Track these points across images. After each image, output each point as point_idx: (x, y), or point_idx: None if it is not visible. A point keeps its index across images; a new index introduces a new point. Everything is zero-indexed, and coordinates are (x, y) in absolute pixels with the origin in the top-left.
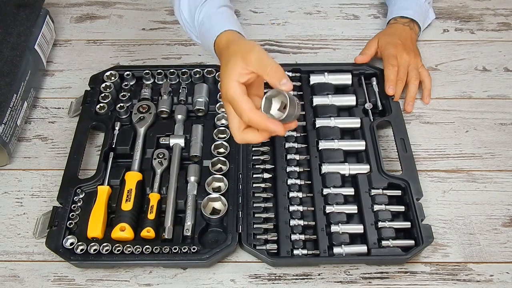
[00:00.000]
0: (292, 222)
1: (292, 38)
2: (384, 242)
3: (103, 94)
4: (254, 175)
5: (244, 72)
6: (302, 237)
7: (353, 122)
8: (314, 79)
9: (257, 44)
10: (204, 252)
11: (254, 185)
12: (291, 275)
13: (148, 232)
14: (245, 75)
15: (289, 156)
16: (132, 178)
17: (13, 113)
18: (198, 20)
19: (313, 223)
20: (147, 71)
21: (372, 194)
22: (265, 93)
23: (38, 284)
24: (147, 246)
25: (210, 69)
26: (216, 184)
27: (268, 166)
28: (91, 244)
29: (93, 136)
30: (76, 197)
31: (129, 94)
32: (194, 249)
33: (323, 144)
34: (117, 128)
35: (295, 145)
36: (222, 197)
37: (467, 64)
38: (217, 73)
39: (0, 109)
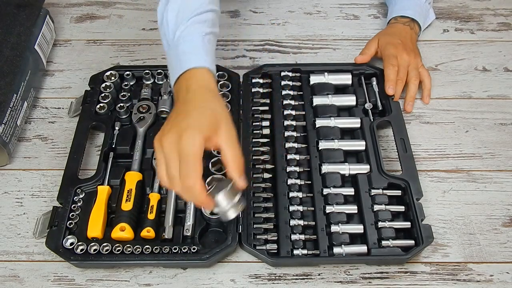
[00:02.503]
0: (292, 222)
1: (292, 38)
2: (384, 242)
3: (103, 94)
4: (254, 175)
5: (210, 134)
6: (302, 237)
7: (353, 122)
8: (314, 79)
9: (226, 111)
10: (204, 252)
11: (254, 185)
12: (291, 275)
13: (148, 232)
14: (207, 138)
15: (289, 156)
16: (132, 178)
17: (13, 113)
18: (181, 34)
19: (313, 223)
20: (147, 71)
21: (372, 194)
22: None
23: (38, 284)
24: (147, 246)
25: None
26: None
27: (268, 166)
28: (91, 244)
29: (93, 136)
30: (76, 197)
31: (129, 94)
32: (194, 249)
33: (323, 144)
34: (117, 128)
35: (295, 145)
36: None
37: (467, 64)
38: (217, 73)
39: (0, 109)
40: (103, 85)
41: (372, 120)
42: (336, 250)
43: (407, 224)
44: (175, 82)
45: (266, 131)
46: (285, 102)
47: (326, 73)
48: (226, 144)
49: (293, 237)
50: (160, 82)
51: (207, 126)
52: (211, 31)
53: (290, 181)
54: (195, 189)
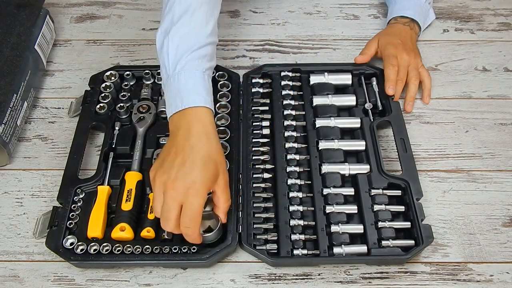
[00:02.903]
0: (292, 222)
1: (292, 38)
2: (384, 242)
3: (103, 94)
4: (254, 175)
5: (212, 187)
6: (302, 237)
7: (353, 122)
8: (314, 79)
9: (224, 157)
10: (204, 252)
11: (254, 185)
12: (291, 275)
13: (148, 232)
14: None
15: (289, 156)
16: (132, 178)
17: (13, 113)
18: (182, 68)
19: (313, 223)
20: (147, 71)
21: (372, 194)
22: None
23: (38, 284)
24: (147, 246)
25: None
26: None
27: (268, 166)
28: (91, 244)
29: (93, 136)
30: (76, 197)
31: (129, 94)
32: (194, 249)
33: (323, 144)
34: (117, 128)
35: (295, 145)
36: None
37: (467, 64)
38: (217, 73)
39: (0, 109)
40: (103, 85)
41: (372, 120)
42: (336, 250)
43: (407, 224)
44: (173, 113)
45: (266, 131)
46: (285, 102)
47: (326, 73)
48: (221, 191)
49: (293, 237)
50: (160, 82)
51: (211, 181)
52: (210, 65)
53: (290, 181)
54: (192, 237)
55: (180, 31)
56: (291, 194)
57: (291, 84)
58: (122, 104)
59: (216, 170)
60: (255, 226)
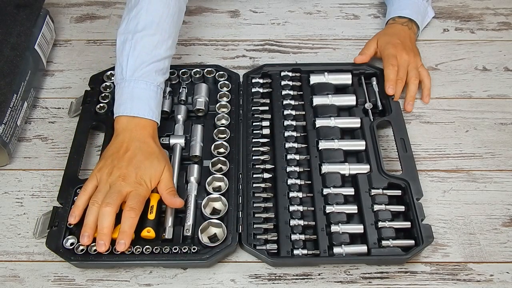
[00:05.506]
0: (292, 222)
1: (292, 38)
2: (384, 242)
3: (103, 94)
4: (254, 175)
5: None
6: (302, 237)
7: (353, 122)
8: (314, 79)
9: (166, 156)
10: (204, 252)
11: (254, 185)
12: (291, 275)
13: (148, 232)
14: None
15: (289, 156)
16: None
17: (13, 113)
18: (139, 77)
19: (313, 223)
20: None
21: (372, 194)
22: None
23: (38, 284)
24: (147, 246)
25: (210, 69)
26: (217, 184)
27: (268, 166)
28: (92, 244)
29: (93, 136)
30: (76, 197)
31: None
32: (194, 249)
33: (323, 144)
34: None
35: (295, 145)
36: (222, 197)
37: (467, 64)
38: (217, 73)
39: (0, 109)
40: (103, 85)
41: (372, 120)
42: (336, 250)
43: (407, 224)
44: (121, 115)
45: (266, 131)
46: (285, 102)
47: (326, 73)
48: (165, 183)
49: (293, 237)
50: None
51: (156, 176)
52: (164, 79)
53: (290, 181)
54: (130, 222)
55: (143, 40)
56: (291, 194)
57: (291, 84)
58: None
59: (160, 166)
60: (255, 226)
